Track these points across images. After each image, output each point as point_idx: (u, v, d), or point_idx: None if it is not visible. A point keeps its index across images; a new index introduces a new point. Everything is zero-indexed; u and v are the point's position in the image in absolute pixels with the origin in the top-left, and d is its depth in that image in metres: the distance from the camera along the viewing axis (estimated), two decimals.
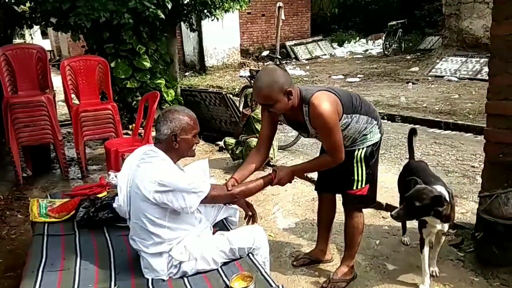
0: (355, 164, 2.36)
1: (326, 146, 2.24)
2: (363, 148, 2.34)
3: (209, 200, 1.98)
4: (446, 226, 2.34)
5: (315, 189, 2.78)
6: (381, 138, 2.41)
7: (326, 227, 2.75)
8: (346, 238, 2.56)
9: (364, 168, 2.36)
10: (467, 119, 5.95)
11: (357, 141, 2.34)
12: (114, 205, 2.08)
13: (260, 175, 2.32)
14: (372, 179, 2.44)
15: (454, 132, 5.66)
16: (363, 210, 2.55)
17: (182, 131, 1.97)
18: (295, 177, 2.38)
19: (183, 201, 1.87)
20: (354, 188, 2.39)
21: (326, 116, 2.10)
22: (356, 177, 2.37)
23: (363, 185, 2.39)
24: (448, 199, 2.23)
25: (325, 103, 2.11)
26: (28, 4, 5.30)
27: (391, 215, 2.32)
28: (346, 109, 2.22)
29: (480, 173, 2.83)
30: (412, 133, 2.88)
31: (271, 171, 2.30)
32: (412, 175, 2.47)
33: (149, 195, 1.86)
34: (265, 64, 13.19)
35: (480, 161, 4.22)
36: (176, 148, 1.99)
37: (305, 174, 4.05)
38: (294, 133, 5.71)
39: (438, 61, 9.95)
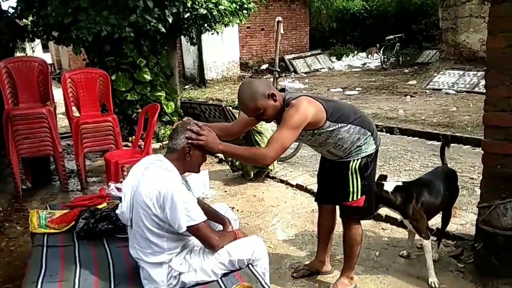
0: (350, 175, 2.38)
1: (273, 136, 2.22)
2: (357, 160, 2.36)
3: (193, 231, 1.91)
4: (407, 222, 2.71)
5: (315, 200, 2.79)
6: (376, 150, 2.43)
7: (325, 239, 2.75)
8: (345, 250, 2.56)
9: (359, 179, 2.38)
10: (465, 132, 5.98)
11: (352, 152, 2.36)
12: (117, 211, 2.08)
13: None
14: (368, 191, 2.45)
15: (452, 145, 5.66)
16: (362, 221, 2.56)
17: (197, 145, 2.01)
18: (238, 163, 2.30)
19: (176, 219, 1.85)
20: (350, 199, 2.40)
21: (296, 111, 2.14)
22: (351, 189, 2.39)
23: (359, 197, 2.40)
24: (392, 193, 2.62)
25: (303, 104, 2.16)
26: (30, 18, 5.38)
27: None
28: (331, 117, 2.25)
29: (479, 185, 2.84)
30: (445, 145, 3.10)
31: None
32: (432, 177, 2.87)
33: (149, 203, 1.87)
34: (264, 77, 13.31)
35: (478, 172, 4.23)
36: (187, 160, 2.01)
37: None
38: (293, 145, 5.73)
39: (435, 74, 10.04)
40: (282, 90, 2.38)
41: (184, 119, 2.15)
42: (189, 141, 1.99)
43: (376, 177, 2.63)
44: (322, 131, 2.27)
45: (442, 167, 3.05)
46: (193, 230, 1.90)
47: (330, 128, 2.27)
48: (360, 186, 2.38)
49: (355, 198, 2.39)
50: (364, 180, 2.39)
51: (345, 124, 2.29)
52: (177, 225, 1.85)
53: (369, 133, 2.37)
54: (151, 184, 1.88)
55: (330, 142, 2.33)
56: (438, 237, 2.94)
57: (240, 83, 2.31)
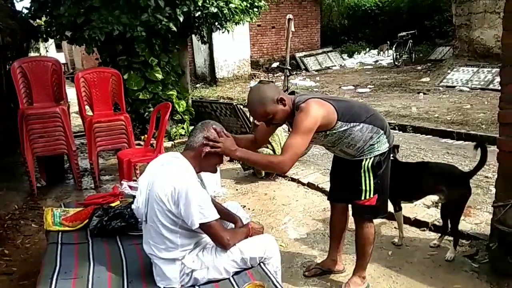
0: (362, 174, 2.36)
1: (286, 142, 2.18)
2: (370, 158, 2.35)
3: (205, 228, 1.93)
4: None
5: (328, 199, 2.78)
6: (390, 148, 2.41)
7: (337, 237, 2.74)
8: (357, 249, 2.55)
9: (372, 178, 2.36)
10: (480, 129, 5.89)
11: (365, 151, 2.34)
12: (133, 206, 2.11)
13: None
14: (381, 189, 2.43)
15: (466, 142, 5.59)
16: (375, 220, 2.54)
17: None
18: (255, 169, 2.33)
19: (190, 215, 1.87)
20: (363, 198, 2.38)
21: (306, 115, 2.13)
22: (364, 187, 2.37)
23: (371, 195, 2.38)
24: None
25: (313, 107, 2.15)
26: (44, 18, 5.45)
27: None
28: (343, 117, 2.24)
29: (494, 183, 2.79)
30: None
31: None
32: None
33: (164, 199, 1.89)
34: (275, 75, 13.28)
35: (493, 171, 4.16)
36: (202, 159, 2.03)
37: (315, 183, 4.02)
38: None
39: (449, 71, 9.90)
40: (292, 93, 2.37)
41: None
42: (207, 149, 2.02)
43: None
44: (334, 131, 2.26)
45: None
46: (205, 227, 1.92)
47: (342, 128, 2.25)
48: (373, 184, 2.37)
49: (367, 197, 2.37)
50: (377, 179, 2.37)
51: (357, 123, 2.27)
52: (190, 222, 1.88)
53: (382, 132, 2.35)
54: (167, 180, 1.91)
55: (342, 141, 2.31)
56: (454, 238, 2.89)
57: (250, 89, 2.31)
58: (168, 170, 1.96)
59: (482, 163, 2.79)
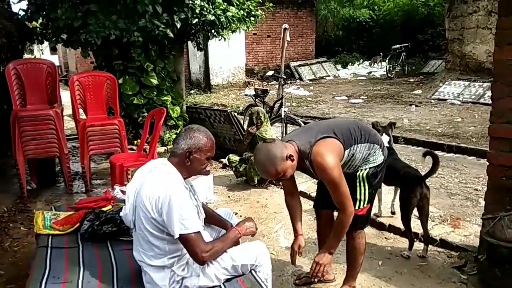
0: (357, 184, 2.38)
1: (335, 198, 2.26)
2: (365, 169, 2.37)
3: (182, 240, 1.87)
4: None
5: (314, 206, 2.79)
6: (385, 160, 2.44)
7: (326, 238, 2.73)
8: (348, 259, 2.56)
9: (367, 187, 2.38)
10: (470, 142, 5.97)
11: (361, 165, 2.37)
12: (121, 213, 2.10)
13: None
14: (372, 199, 2.46)
15: (457, 155, 5.66)
16: (365, 231, 2.55)
17: (197, 150, 2.01)
18: None
19: (171, 224, 1.85)
20: (356, 208, 2.38)
21: (330, 171, 2.16)
22: (358, 196, 2.38)
23: (365, 205, 2.40)
24: None
25: (326, 158, 2.17)
26: (40, 20, 5.44)
27: None
28: (346, 145, 2.27)
29: (483, 196, 2.83)
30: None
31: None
32: None
33: (148, 207, 1.88)
34: (270, 84, 13.34)
35: (483, 184, 4.22)
36: (187, 165, 2.02)
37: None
38: None
39: (441, 84, 10.04)
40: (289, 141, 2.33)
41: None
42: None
43: None
44: (343, 161, 2.30)
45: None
46: (183, 239, 1.87)
47: (348, 157, 2.30)
48: (368, 194, 2.39)
49: (361, 207, 2.39)
50: (372, 189, 2.40)
51: (356, 145, 2.31)
52: (171, 231, 1.85)
53: (377, 146, 2.39)
54: (152, 188, 1.90)
55: (346, 165, 2.35)
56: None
57: (256, 148, 2.30)
58: (154, 177, 1.94)
59: (435, 168, 2.99)
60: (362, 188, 2.38)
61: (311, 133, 2.30)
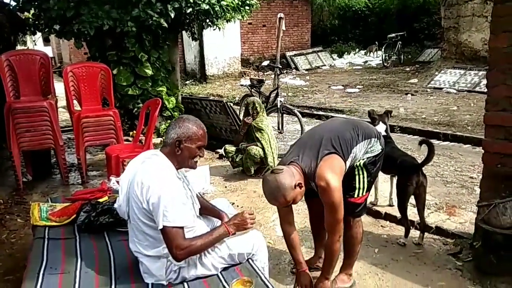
0: (356, 173, 2.39)
1: (328, 220, 2.28)
2: (363, 159, 2.39)
3: (163, 232, 1.85)
4: None
5: (304, 195, 2.77)
6: (382, 149, 2.45)
7: (320, 234, 2.74)
8: (345, 248, 2.56)
9: (365, 175, 2.39)
10: (466, 131, 5.99)
11: (361, 157, 2.39)
12: (115, 205, 2.10)
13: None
14: (371, 187, 2.48)
15: (452, 143, 5.69)
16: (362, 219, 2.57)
17: (187, 139, 2.00)
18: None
19: (157, 215, 1.84)
20: (355, 196, 2.39)
21: (332, 195, 2.17)
22: (357, 185, 2.39)
23: (364, 193, 2.41)
24: None
25: (330, 182, 2.16)
26: (32, 11, 5.37)
27: None
28: (346, 156, 2.29)
29: (478, 184, 2.85)
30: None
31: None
32: None
33: (140, 197, 1.88)
34: (265, 74, 13.29)
35: (478, 172, 4.24)
36: (178, 154, 2.01)
37: None
38: (294, 141, 5.73)
39: (437, 73, 10.04)
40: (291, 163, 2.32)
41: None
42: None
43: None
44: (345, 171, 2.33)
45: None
46: (163, 231, 1.85)
47: (349, 164, 2.33)
48: (367, 182, 2.40)
49: (360, 195, 2.40)
50: (370, 177, 2.41)
51: (355, 146, 2.33)
52: (157, 222, 1.85)
53: (374, 139, 2.40)
54: (144, 178, 1.90)
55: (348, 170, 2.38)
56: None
57: (263, 179, 2.27)
58: (146, 168, 1.94)
59: (430, 156, 3.00)
60: (361, 176, 2.39)
61: (314, 150, 2.28)
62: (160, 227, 1.84)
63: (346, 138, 2.32)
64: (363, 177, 2.39)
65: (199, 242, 1.94)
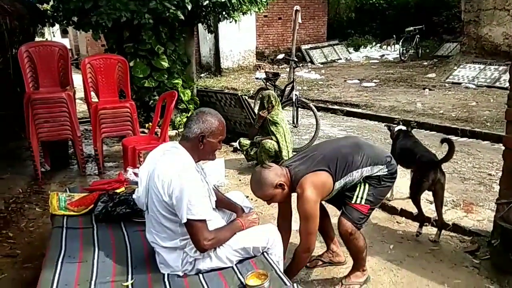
0: (358, 184, 2.40)
1: (300, 229, 2.34)
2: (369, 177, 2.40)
3: (187, 225, 1.89)
4: None
5: None
6: (391, 173, 2.42)
7: (325, 229, 2.74)
8: (351, 255, 2.54)
9: (367, 186, 2.38)
10: (485, 127, 5.87)
11: (364, 179, 2.40)
12: (134, 196, 2.12)
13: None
14: (375, 202, 2.42)
15: (471, 140, 5.59)
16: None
17: (210, 134, 2.01)
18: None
19: (180, 208, 1.86)
20: (353, 201, 2.39)
21: (305, 203, 2.23)
22: (356, 192, 2.40)
23: (362, 202, 2.38)
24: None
25: (306, 191, 2.22)
26: (51, 3, 5.43)
27: None
28: (338, 176, 2.31)
29: (497, 181, 2.80)
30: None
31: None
32: None
33: (160, 190, 1.90)
34: (280, 67, 13.23)
35: (497, 169, 4.17)
36: (200, 148, 2.02)
37: None
38: (309, 135, 5.71)
39: (455, 68, 9.84)
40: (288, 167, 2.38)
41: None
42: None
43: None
44: (333, 192, 2.36)
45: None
46: (188, 225, 1.88)
47: (341, 185, 2.35)
48: (366, 194, 2.38)
49: (357, 202, 2.39)
50: (373, 191, 2.38)
51: (355, 171, 2.34)
52: (180, 215, 1.87)
53: (381, 166, 2.38)
54: (165, 171, 1.91)
55: (342, 189, 2.40)
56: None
57: (254, 170, 2.40)
58: (166, 161, 1.96)
59: (450, 155, 2.95)
60: (362, 186, 2.39)
61: (308, 163, 2.35)
62: (184, 220, 1.86)
63: (348, 162, 2.33)
64: (364, 187, 2.39)
65: (222, 233, 2.01)
